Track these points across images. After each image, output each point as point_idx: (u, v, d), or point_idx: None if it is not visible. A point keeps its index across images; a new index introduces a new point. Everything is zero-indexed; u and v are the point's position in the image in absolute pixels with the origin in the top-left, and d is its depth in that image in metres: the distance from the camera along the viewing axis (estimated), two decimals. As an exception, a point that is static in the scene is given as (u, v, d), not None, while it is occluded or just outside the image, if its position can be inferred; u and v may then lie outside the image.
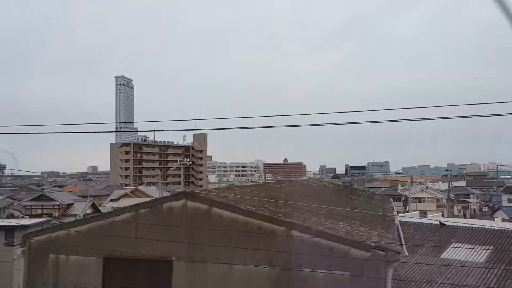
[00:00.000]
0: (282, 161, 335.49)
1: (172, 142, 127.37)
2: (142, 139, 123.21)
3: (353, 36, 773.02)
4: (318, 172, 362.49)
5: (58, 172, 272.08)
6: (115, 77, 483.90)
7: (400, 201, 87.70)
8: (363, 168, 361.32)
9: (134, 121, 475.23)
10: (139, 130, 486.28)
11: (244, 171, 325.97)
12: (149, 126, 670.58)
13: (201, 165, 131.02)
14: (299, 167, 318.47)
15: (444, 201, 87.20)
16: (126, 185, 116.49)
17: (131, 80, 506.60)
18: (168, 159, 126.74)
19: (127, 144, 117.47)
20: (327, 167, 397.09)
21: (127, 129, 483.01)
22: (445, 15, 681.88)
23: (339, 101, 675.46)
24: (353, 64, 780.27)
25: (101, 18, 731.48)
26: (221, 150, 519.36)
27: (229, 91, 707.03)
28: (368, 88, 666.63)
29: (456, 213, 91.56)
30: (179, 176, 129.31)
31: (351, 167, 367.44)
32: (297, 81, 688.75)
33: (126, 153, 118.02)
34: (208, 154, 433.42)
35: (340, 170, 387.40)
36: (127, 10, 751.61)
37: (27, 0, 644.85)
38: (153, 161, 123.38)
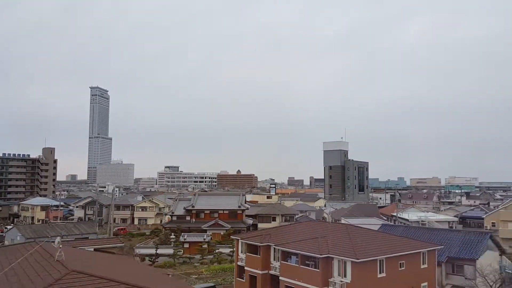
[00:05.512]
0: (235, 173, 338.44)
1: (15, 155, 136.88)
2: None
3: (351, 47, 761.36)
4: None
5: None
6: (90, 87, 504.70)
7: (128, 210, 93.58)
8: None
9: (108, 132, 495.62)
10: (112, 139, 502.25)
11: (203, 181, 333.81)
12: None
13: (46, 177, 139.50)
14: (250, 179, 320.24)
15: (166, 209, 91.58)
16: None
17: (107, 91, 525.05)
18: (10, 171, 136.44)
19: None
20: (295, 178, 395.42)
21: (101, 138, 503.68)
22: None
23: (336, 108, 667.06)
24: (352, 73, 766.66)
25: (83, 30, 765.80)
26: (192, 162, 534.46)
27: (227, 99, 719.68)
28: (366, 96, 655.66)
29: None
30: (24, 186, 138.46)
31: (315, 179, 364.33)
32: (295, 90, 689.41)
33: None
34: (175, 164, 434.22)
35: (307, 182, 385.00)
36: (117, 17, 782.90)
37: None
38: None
